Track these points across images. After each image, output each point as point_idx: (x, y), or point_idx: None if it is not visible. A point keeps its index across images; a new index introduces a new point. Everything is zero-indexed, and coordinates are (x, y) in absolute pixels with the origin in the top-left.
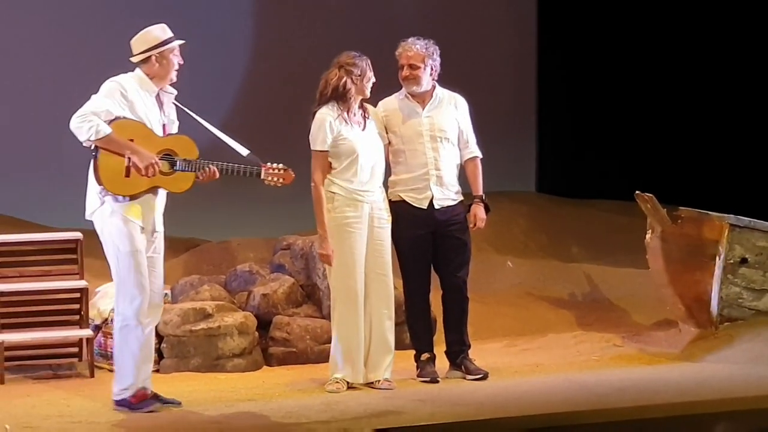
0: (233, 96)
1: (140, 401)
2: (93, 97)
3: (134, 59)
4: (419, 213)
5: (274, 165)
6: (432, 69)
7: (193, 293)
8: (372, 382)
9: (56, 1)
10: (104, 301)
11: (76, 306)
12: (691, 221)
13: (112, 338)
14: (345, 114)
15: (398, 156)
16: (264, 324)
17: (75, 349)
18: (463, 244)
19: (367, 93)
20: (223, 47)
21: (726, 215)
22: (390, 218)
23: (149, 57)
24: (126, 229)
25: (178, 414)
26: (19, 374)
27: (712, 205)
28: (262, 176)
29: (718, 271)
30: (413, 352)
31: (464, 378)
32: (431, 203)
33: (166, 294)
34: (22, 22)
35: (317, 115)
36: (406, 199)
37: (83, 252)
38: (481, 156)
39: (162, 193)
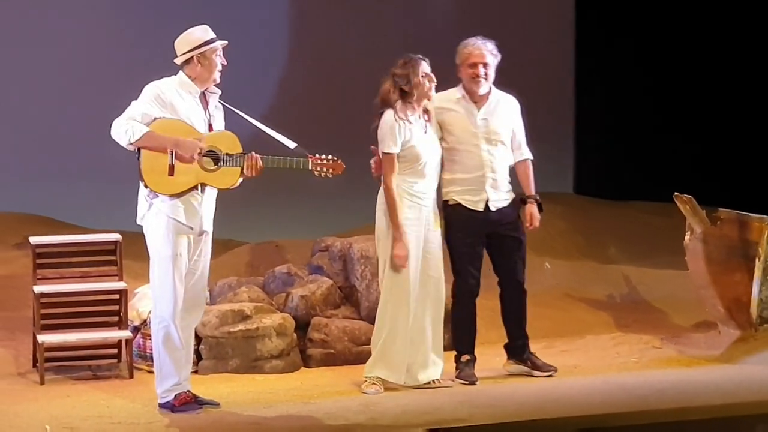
0: (272, 92)
1: (182, 404)
2: (132, 103)
3: (177, 60)
4: (475, 215)
5: (323, 156)
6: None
7: (231, 295)
8: (427, 383)
9: (102, 8)
10: (143, 302)
11: (116, 307)
12: (731, 223)
13: (150, 339)
14: (404, 119)
15: (453, 154)
16: (302, 325)
17: (114, 351)
18: (519, 242)
19: (424, 95)
20: (261, 44)
21: (766, 216)
22: (438, 220)
23: (191, 58)
24: (169, 232)
25: (216, 415)
26: (59, 375)
27: (752, 206)
28: (310, 167)
29: (757, 273)
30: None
31: (531, 374)
32: (486, 205)
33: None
34: (71, 28)
35: (384, 117)
36: (462, 202)
37: (122, 254)
38: (532, 158)
39: (210, 194)
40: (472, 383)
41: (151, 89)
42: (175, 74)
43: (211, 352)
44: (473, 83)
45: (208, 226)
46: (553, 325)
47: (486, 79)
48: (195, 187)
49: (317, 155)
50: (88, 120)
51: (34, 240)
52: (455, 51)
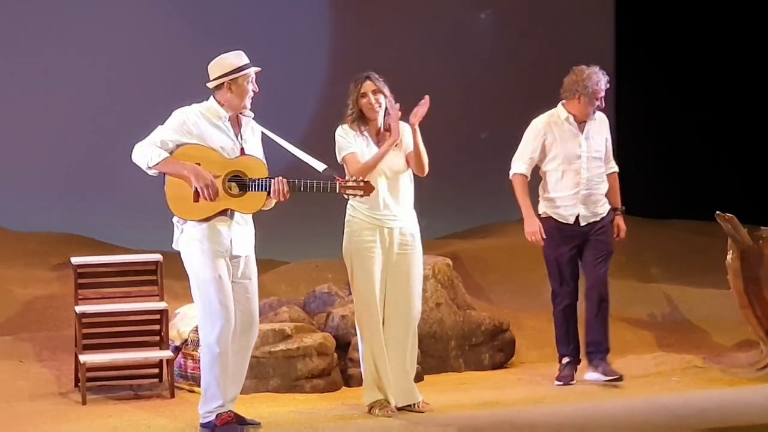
0: (310, 115)
1: (223, 424)
2: (158, 127)
3: (209, 85)
4: (565, 227)
5: (352, 178)
6: None
7: (272, 314)
8: (409, 406)
9: (136, 29)
10: (184, 322)
11: (157, 327)
12: None
13: (192, 359)
14: (356, 132)
15: (554, 173)
16: (343, 345)
17: (155, 370)
18: (607, 249)
19: (368, 114)
20: (300, 66)
21: None
22: (418, 245)
23: (223, 83)
24: (202, 256)
25: None
26: (100, 395)
27: None
28: (338, 191)
29: None
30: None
31: (600, 379)
32: (577, 219)
33: None
34: (116, 48)
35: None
36: (553, 215)
37: (163, 274)
38: (618, 171)
39: (243, 218)
40: (567, 384)
41: (177, 116)
42: (206, 99)
43: (252, 371)
44: (591, 110)
45: (243, 249)
46: None
47: (601, 108)
48: (222, 212)
49: (346, 178)
50: (131, 141)
51: (75, 260)
52: (494, 69)
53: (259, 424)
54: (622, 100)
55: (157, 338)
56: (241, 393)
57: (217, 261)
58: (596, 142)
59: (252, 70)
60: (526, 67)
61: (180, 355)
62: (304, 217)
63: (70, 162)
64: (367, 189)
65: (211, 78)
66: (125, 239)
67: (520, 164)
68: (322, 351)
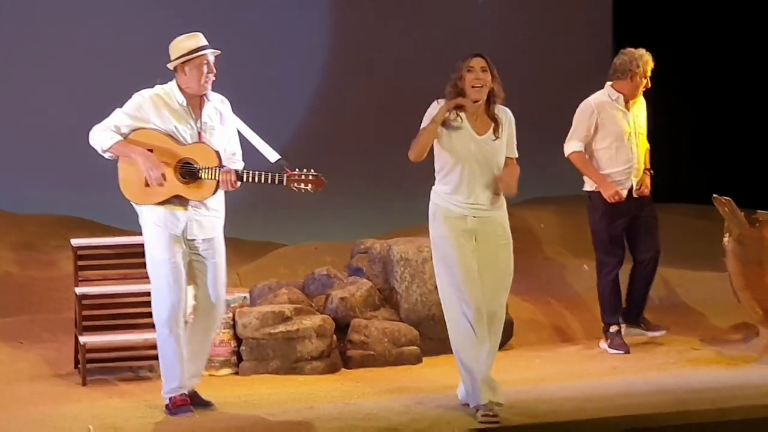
0: (311, 95)
1: (176, 407)
2: (116, 110)
3: (170, 66)
4: (618, 202)
5: (302, 171)
6: None
7: (271, 296)
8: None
9: (134, 15)
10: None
11: (147, 309)
12: None
13: None
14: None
15: (608, 151)
16: (342, 327)
17: (155, 351)
18: (655, 220)
19: (470, 92)
20: (301, 47)
21: None
22: (509, 237)
23: (180, 66)
24: (156, 238)
25: (258, 416)
26: (100, 376)
27: None
28: (285, 183)
29: None
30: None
31: (644, 334)
32: (630, 192)
33: (244, 297)
34: (105, 32)
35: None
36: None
37: None
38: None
39: (207, 202)
40: (627, 352)
41: (135, 99)
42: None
43: (252, 353)
44: (640, 89)
45: (203, 233)
46: (592, 327)
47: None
48: (172, 198)
49: (296, 171)
50: None
51: (75, 242)
52: (495, 60)
53: (211, 404)
54: None
55: (149, 319)
56: (240, 374)
57: (170, 244)
58: (640, 120)
59: (208, 52)
60: (524, 56)
61: None
62: (303, 200)
63: (70, 144)
64: (317, 183)
65: (171, 60)
66: (125, 221)
67: (575, 143)
68: (322, 333)
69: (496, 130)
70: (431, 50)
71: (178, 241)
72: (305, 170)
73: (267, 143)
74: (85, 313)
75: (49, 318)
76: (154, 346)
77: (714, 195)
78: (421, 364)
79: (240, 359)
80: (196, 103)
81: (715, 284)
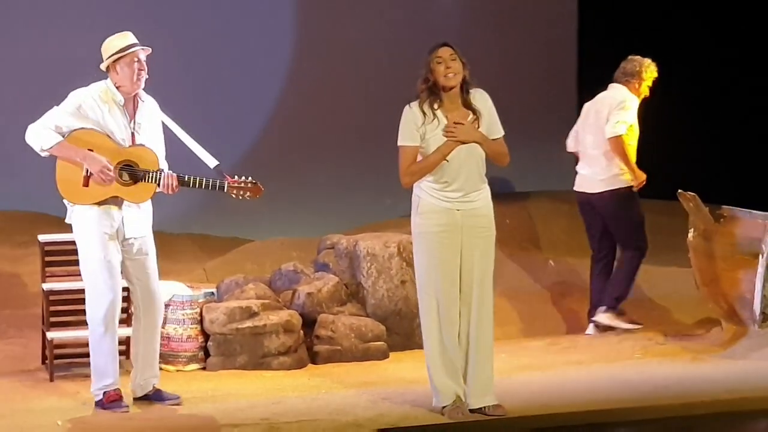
0: (279, 87)
1: (111, 402)
2: (53, 108)
3: (102, 66)
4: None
5: (241, 179)
6: None
7: (238, 292)
8: (479, 409)
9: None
10: None
11: (124, 304)
12: (734, 220)
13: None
14: (427, 110)
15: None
16: (309, 322)
17: (122, 347)
18: None
19: (443, 82)
20: (265, 45)
21: None
22: (494, 229)
23: (112, 65)
24: (92, 237)
25: (227, 410)
26: (68, 372)
27: (755, 203)
28: (226, 190)
29: (760, 270)
30: None
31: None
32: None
33: (212, 293)
34: (75, 23)
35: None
36: (630, 183)
37: None
38: None
39: (133, 204)
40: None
41: (73, 99)
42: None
43: (219, 348)
44: (641, 95)
45: (137, 231)
46: (557, 322)
47: None
48: (110, 199)
49: (235, 177)
50: None
51: (42, 238)
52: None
53: (178, 398)
54: (584, 80)
55: (125, 315)
56: (208, 370)
57: (106, 242)
58: None
59: (138, 50)
60: (491, 48)
61: None
62: (270, 195)
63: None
64: (255, 191)
65: (103, 60)
66: None
67: (623, 126)
68: (289, 328)
69: (476, 119)
70: (399, 48)
71: (113, 240)
72: (244, 177)
73: (235, 139)
74: (53, 308)
75: (15, 314)
76: (121, 342)
77: (679, 191)
78: (388, 359)
79: (207, 354)
80: (130, 103)
81: (680, 279)
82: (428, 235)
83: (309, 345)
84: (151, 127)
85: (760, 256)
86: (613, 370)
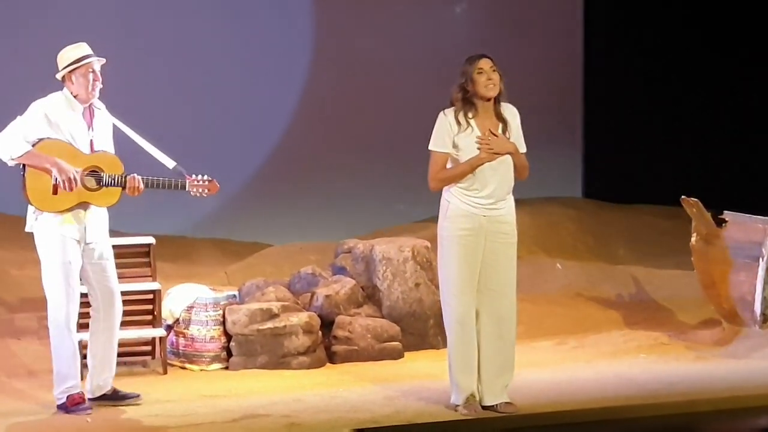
0: (294, 109)
1: (74, 405)
2: (17, 118)
3: (58, 76)
4: None
5: (199, 177)
6: None
7: (259, 294)
8: (492, 406)
9: (118, 18)
10: (176, 302)
11: (150, 307)
12: (736, 225)
13: (183, 337)
14: (462, 120)
15: None
16: (327, 323)
17: (148, 348)
18: None
19: (483, 92)
20: (283, 54)
21: None
22: (516, 236)
23: (68, 75)
24: (57, 242)
25: (248, 408)
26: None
27: (757, 208)
28: (187, 188)
29: (761, 272)
30: None
31: None
32: None
33: (234, 296)
34: (90, 33)
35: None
36: None
37: (155, 256)
38: None
39: (96, 209)
40: None
41: (38, 109)
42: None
43: (241, 348)
44: None
45: (97, 236)
46: (565, 323)
47: None
48: (78, 205)
49: (194, 176)
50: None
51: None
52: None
53: (138, 396)
54: (589, 85)
55: (150, 317)
56: (230, 369)
57: (70, 247)
58: None
59: (93, 60)
60: (504, 59)
61: (172, 333)
62: (289, 201)
63: None
64: (213, 188)
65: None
66: (120, 223)
67: None
68: (308, 329)
69: (505, 130)
70: (412, 61)
71: (77, 246)
72: (201, 175)
73: (255, 149)
74: (82, 310)
75: (44, 316)
76: (147, 343)
77: (682, 196)
78: (403, 358)
79: (230, 354)
80: (87, 111)
81: (683, 282)
82: (453, 238)
83: (327, 345)
84: (106, 134)
85: (761, 259)
86: (619, 369)
